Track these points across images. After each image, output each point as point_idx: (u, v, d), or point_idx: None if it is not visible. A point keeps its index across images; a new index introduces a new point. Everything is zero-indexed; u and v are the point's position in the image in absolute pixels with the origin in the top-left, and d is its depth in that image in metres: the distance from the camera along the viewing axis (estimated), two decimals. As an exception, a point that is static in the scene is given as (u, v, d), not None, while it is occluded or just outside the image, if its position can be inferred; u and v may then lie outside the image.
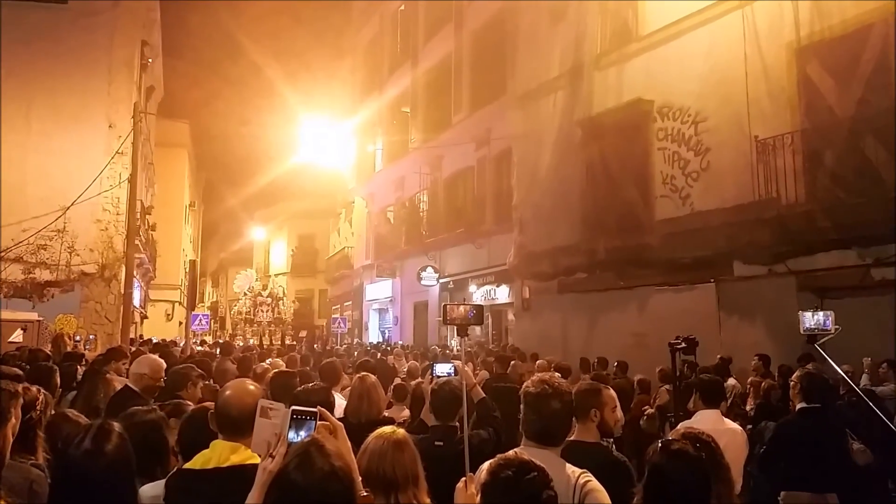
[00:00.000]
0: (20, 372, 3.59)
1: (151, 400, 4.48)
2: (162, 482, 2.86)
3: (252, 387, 2.96)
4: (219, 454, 2.69)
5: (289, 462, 1.96)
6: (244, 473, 2.54)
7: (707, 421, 4.66)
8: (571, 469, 2.80)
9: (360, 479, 2.44)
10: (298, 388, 4.25)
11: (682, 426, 4.36)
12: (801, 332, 4.39)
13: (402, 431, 2.75)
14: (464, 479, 2.57)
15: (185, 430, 3.13)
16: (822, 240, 9.94)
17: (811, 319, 4.35)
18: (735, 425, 5.02)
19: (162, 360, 5.30)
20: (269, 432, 2.23)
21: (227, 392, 2.88)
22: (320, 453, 1.93)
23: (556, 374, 3.41)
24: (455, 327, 3.71)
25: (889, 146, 9.13)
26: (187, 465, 2.76)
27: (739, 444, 4.67)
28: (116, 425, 2.46)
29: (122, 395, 4.85)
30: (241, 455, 2.66)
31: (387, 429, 2.75)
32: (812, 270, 10.37)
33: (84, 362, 8.99)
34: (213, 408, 2.91)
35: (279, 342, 27.07)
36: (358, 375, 4.69)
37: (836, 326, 4.30)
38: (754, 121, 11.01)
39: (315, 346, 21.33)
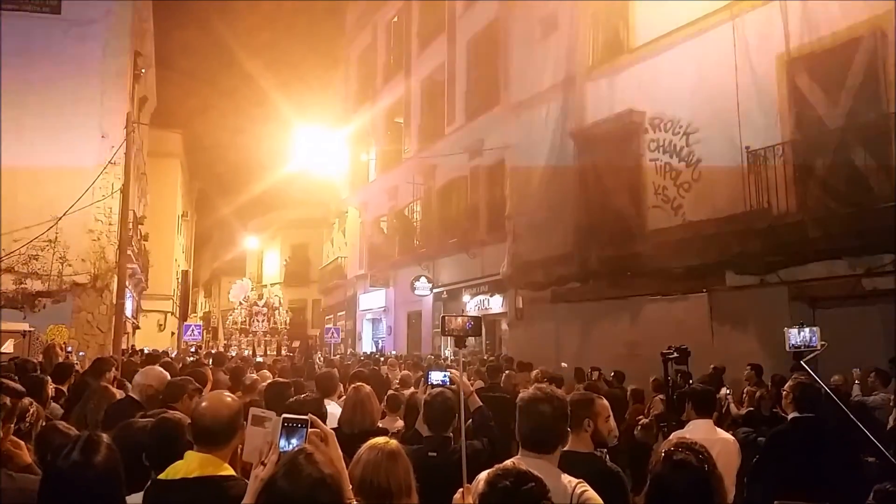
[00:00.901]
0: (22, 388, 3.58)
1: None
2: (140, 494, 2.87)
3: (229, 399, 2.96)
4: (187, 465, 2.71)
5: (277, 470, 1.97)
6: (210, 485, 2.58)
7: (700, 431, 4.68)
8: (568, 479, 2.81)
9: (352, 488, 2.46)
10: (291, 399, 4.25)
11: (674, 436, 4.38)
12: (788, 349, 4.36)
13: (395, 442, 2.75)
14: (461, 489, 2.57)
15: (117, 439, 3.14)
16: (814, 250, 10.00)
17: (797, 336, 4.31)
18: (728, 435, 5.04)
19: (167, 373, 5.29)
20: (261, 440, 2.24)
21: (203, 403, 2.89)
22: (308, 461, 1.94)
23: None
24: (450, 338, 3.73)
25: (878, 156, 9.22)
26: (160, 476, 2.77)
27: (732, 454, 4.69)
28: (105, 437, 2.46)
29: (121, 405, 4.82)
30: (209, 467, 2.67)
31: (380, 439, 2.76)
32: (804, 280, 10.42)
33: (75, 373, 8.93)
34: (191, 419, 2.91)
35: (275, 352, 26.90)
36: (353, 386, 4.69)
37: (823, 343, 4.29)
38: (745, 132, 11.09)
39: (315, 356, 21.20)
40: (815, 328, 4.36)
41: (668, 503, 2.20)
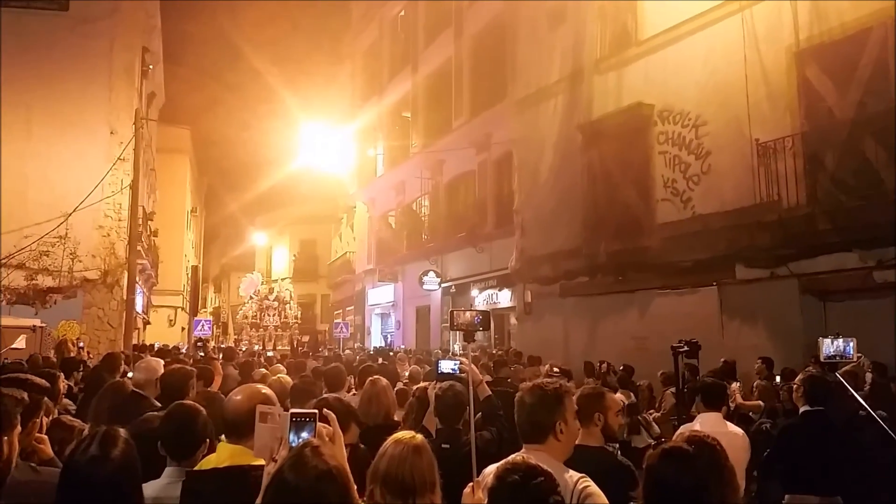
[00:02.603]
0: (47, 384, 3.62)
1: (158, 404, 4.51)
2: (156, 482, 2.91)
3: (252, 391, 3.00)
4: (218, 456, 2.81)
5: (283, 463, 1.97)
6: (238, 474, 2.63)
7: (708, 424, 4.66)
8: (570, 473, 2.79)
9: (376, 481, 2.46)
10: (320, 397, 4.24)
11: (683, 429, 4.38)
12: (822, 359, 4.28)
13: (420, 437, 2.73)
14: (471, 483, 2.58)
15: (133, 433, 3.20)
16: (824, 242, 9.95)
17: (832, 346, 4.22)
18: (736, 428, 5.02)
19: (161, 361, 5.35)
20: (270, 437, 2.25)
21: (237, 397, 2.97)
22: (314, 454, 1.94)
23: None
24: (459, 332, 3.75)
25: (889, 148, 9.15)
26: (196, 468, 2.85)
27: (740, 447, 4.66)
28: (122, 431, 2.48)
29: (128, 399, 4.85)
30: (239, 457, 2.73)
31: (405, 434, 2.75)
32: (814, 273, 10.37)
33: (82, 368, 9.03)
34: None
35: (288, 347, 26.82)
36: (369, 379, 4.72)
37: (859, 354, 4.19)
38: (754, 124, 11.03)
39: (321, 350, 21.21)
40: (850, 339, 4.23)
41: (662, 494, 2.19)
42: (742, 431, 5.00)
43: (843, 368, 4.51)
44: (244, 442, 2.74)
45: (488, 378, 8.66)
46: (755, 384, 8.88)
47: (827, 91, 10.22)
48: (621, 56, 14.15)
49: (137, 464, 2.40)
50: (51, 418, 3.85)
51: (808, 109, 10.50)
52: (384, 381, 4.67)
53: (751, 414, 8.20)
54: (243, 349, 21.43)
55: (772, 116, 10.88)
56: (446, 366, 4.52)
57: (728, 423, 5.04)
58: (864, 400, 4.76)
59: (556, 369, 9.47)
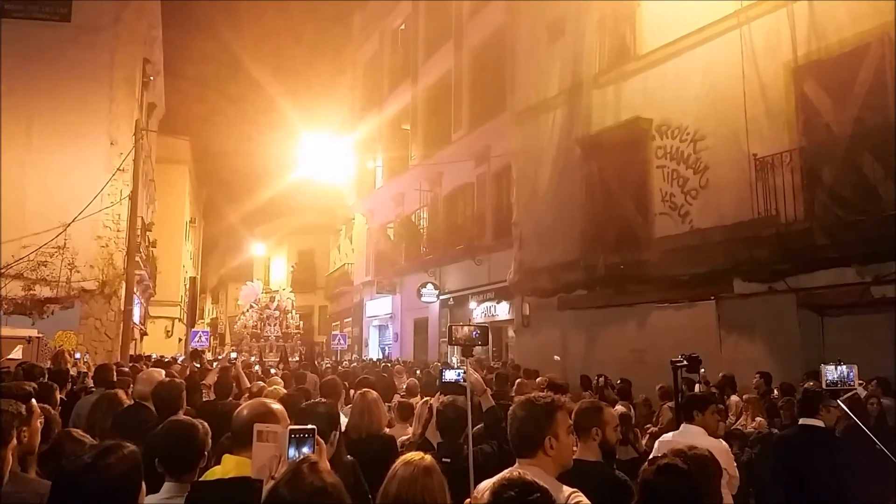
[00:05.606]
0: (32, 389, 3.60)
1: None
2: (154, 497, 2.90)
3: (255, 404, 3.02)
4: (224, 467, 2.82)
5: (280, 478, 1.96)
6: (242, 485, 2.61)
7: (689, 437, 4.62)
8: (562, 488, 2.76)
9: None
10: (304, 404, 4.27)
11: (662, 439, 4.34)
12: (824, 386, 4.29)
13: (429, 458, 2.71)
14: (467, 500, 2.57)
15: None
16: (822, 257, 9.97)
17: (834, 373, 4.22)
18: (718, 442, 4.97)
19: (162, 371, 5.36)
20: (268, 455, 2.22)
21: (244, 411, 2.97)
22: (311, 470, 1.93)
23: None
24: (458, 347, 3.75)
25: (886, 164, 9.18)
26: (202, 479, 2.86)
27: (721, 460, 4.61)
28: (128, 444, 2.45)
29: (130, 410, 4.84)
30: (244, 468, 2.71)
31: (415, 455, 2.73)
32: (811, 288, 10.38)
33: (71, 379, 8.98)
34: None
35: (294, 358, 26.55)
36: (359, 392, 4.72)
37: (860, 381, 4.22)
38: (752, 139, 11.07)
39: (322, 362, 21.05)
40: (852, 365, 4.25)
41: None
42: (725, 444, 4.95)
43: (845, 396, 4.51)
44: (247, 453, 2.75)
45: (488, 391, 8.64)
46: (744, 397, 8.82)
47: (825, 106, 10.27)
48: (620, 70, 14.22)
49: (135, 476, 2.35)
50: (57, 431, 3.83)
51: (805, 125, 10.55)
52: (374, 393, 4.69)
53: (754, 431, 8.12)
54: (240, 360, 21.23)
55: (770, 131, 10.92)
56: (450, 375, 4.52)
57: (711, 438, 4.99)
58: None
59: (545, 387, 9.47)
